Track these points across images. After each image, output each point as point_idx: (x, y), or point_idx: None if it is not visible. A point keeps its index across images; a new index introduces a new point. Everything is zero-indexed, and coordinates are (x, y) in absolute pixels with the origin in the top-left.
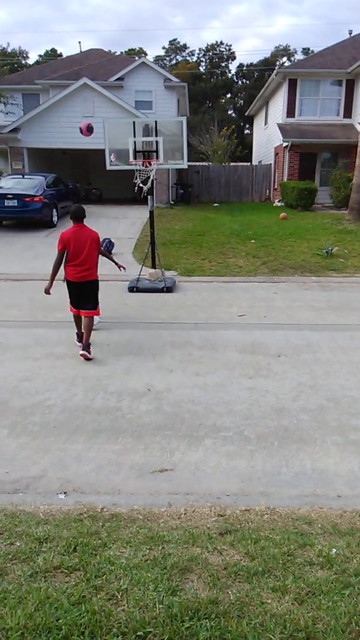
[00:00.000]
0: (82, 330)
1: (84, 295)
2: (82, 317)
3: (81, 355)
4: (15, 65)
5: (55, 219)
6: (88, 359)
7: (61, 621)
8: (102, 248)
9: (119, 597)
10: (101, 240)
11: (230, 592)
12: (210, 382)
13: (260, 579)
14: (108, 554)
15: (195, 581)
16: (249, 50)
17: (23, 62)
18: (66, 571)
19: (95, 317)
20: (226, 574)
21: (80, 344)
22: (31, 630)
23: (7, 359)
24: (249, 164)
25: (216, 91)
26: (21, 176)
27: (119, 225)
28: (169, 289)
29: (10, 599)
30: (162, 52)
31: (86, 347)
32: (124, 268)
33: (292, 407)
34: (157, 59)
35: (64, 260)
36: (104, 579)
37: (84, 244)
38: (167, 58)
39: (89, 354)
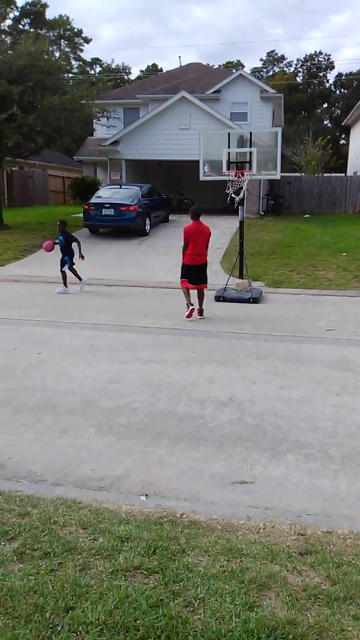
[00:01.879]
0: (192, 303)
1: (199, 274)
2: (197, 290)
3: (198, 316)
4: (118, 81)
5: (147, 227)
6: (201, 317)
7: (139, 622)
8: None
9: (196, 605)
10: None
11: (309, 615)
12: (294, 396)
13: (341, 605)
14: (186, 560)
15: (273, 599)
16: (349, 59)
17: (125, 77)
18: (145, 572)
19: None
20: (305, 596)
21: (190, 307)
22: (110, 627)
23: (97, 360)
24: (343, 174)
25: (312, 101)
26: (118, 186)
27: None
28: (255, 300)
29: (92, 594)
30: (259, 64)
31: (200, 311)
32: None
33: None
34: (254, 70)
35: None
36: (181, 585)
37: (201, 236)
38: (264, 69)
39: (202, 315)
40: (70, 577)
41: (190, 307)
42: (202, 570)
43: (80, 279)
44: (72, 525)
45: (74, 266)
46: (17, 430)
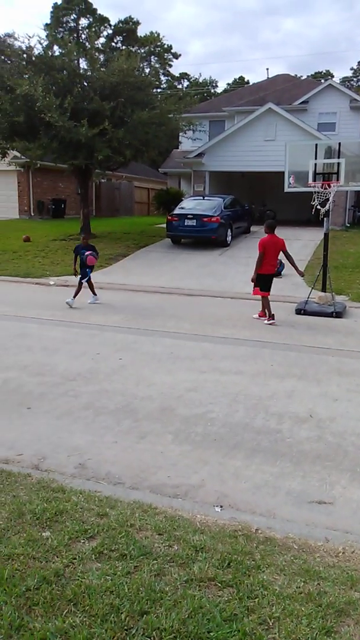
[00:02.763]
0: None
1: (270, 282)
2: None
3: (271, 324)
4: (205, 95)
5: (229, 239)
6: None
7: (212, 634)
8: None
9: (271, 623)
10: None
11: None
12: None
13: None
14: (261, 577)
15: (352, 626)
16: None
17: (212, 90)
18: (219, 585)
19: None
20: None
21: (271, 322)
22: (183, 636)
23: (176, 369)
24: None
25: None
26: (202, 197)
27: (290, 247)
28: (338, 314)
29: (166, 600)
30: (349, 74)
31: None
32: (303, 275)
33: None
34: (344, 80)
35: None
36: (256, 602)
37: (277, 248)
38: (355, 79)
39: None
40: (146, 581)
41: (272, 315)
42: (278, 589)
43: (94, 293)
44: (148, 529)
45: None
46: (97, 432)
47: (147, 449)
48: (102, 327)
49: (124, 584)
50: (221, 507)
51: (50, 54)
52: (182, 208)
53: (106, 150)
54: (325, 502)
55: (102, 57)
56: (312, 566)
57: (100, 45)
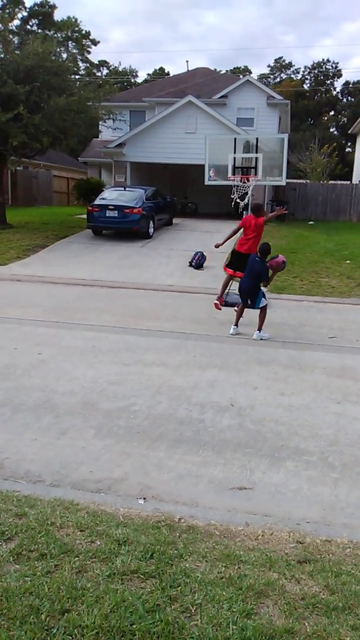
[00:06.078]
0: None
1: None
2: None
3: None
4: (125, 84)
5: (151, 230)
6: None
7: (135, 626)
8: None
9: (193, 611)
10: (193, 253)
11: (307, 624)
12: (295, 403)
13: (339, 614)
14: (184, 565)
15: (270, 607)
16: (357, 67)
17: (132, 80)
18: (142, 577)
19: None
20: (303, 605)
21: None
22: (106, 631)
23: (98, 362)
24: (348, 182)
25: (319, 109)
26: (123, 188)
27: (211, 239)
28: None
29: (88, 597)
30: (266, 71)
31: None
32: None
33: None
34: (262, 76)
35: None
36: (178, 591)
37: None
38: (272, 76)
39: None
40: (67, 580)
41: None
42: (200, 576)
43: None
44: (69, 527)
45: None
46: (16, 429)
47: (69, 445)
48: (20, 321)
49: (44, 584)
50: (144, 499)
51: None
52: (103, 199)
53: (21, 136)
54: (246, 487)
55: (16, 39)
56: (233, 551)
57: (14, 28)
